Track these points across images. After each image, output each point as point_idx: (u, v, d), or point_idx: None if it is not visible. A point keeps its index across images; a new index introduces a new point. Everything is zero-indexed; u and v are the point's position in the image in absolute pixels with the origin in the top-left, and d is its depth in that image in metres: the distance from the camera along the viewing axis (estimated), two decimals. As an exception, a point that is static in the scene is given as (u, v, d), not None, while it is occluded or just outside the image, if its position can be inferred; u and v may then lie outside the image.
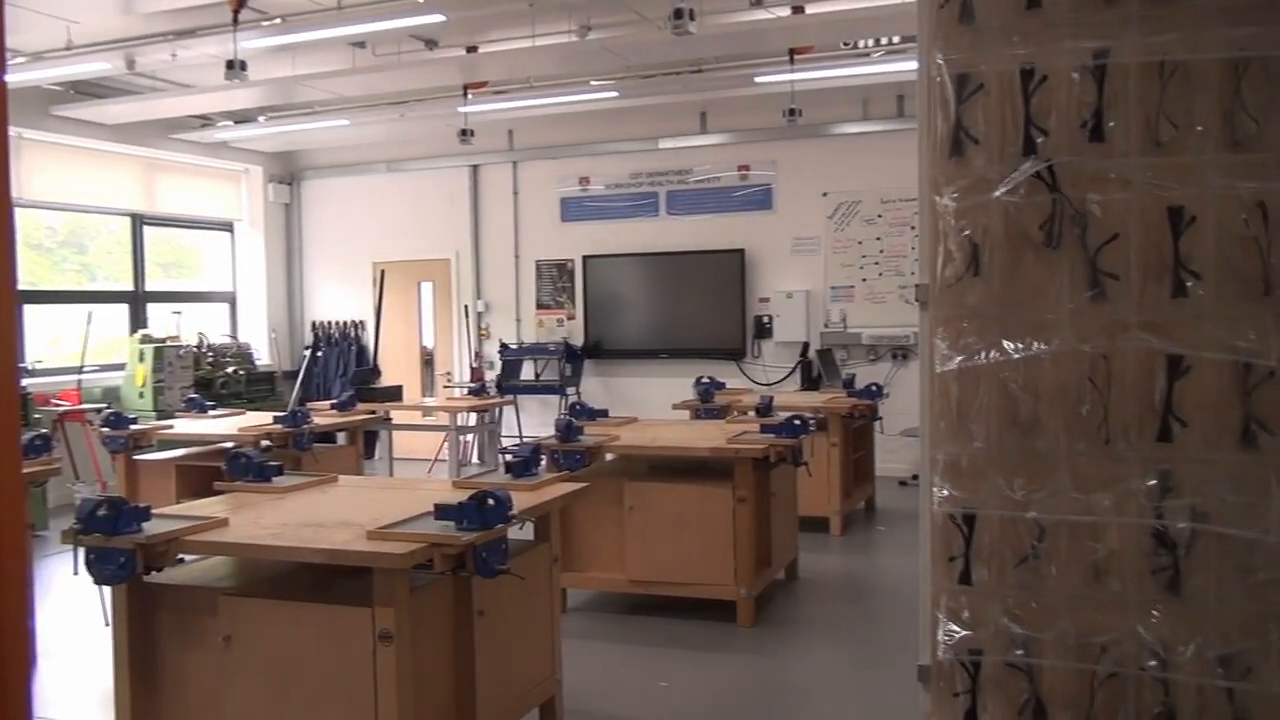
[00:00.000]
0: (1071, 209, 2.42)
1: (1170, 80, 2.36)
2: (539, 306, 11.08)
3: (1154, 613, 2.41)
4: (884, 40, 8.14)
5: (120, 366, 9.67)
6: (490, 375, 10.89)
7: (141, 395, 9.32)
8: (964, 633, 2.51)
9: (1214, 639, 2.37)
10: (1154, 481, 2.39)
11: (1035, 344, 2.45)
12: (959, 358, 2.50)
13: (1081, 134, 2.42)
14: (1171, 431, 2.38)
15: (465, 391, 10.03)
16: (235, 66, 6.89)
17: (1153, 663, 2.41)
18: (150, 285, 10.70)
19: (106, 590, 3.39)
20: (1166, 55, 2.35)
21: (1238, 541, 2.35)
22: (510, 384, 10.65)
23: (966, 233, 2.49)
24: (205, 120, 10.46)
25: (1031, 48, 2.44)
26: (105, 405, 8.63)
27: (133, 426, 6.65)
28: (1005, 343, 2.47)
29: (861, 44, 8.28)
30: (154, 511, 3.40)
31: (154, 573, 3.33)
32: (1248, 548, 2.34)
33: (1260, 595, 2.34)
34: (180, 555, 3.34)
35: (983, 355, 2.48)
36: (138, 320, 10.39)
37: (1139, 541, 2.42)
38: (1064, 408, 2.45)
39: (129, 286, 10.49)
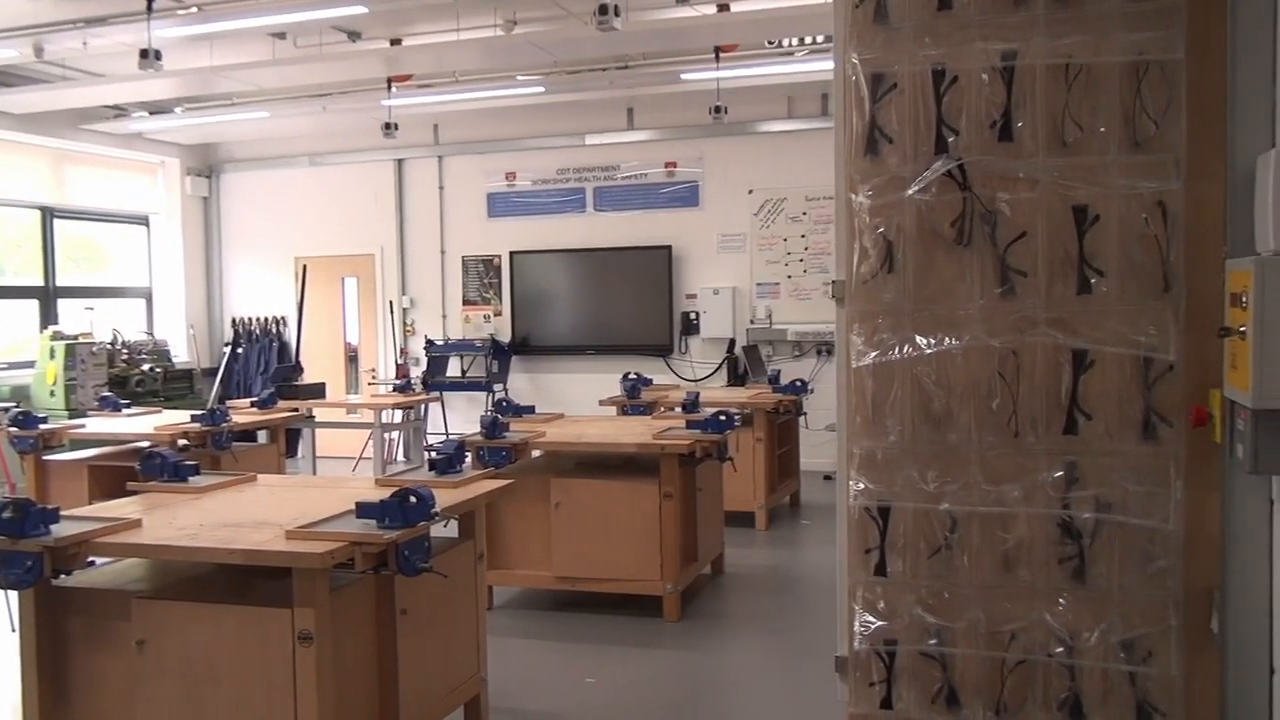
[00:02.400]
0: (981, 207, 2.48)
1: (1075, 82, 2.44)
2: (465, 302, 10.99)
3: (1060, 600, 2.49)
4: (808, 39, 8.24)
5: (30, 364, 9.36)
6: (416, 372, 10.78)
7: (52, 394, 9.04)
8: (879, 623, 2.56)
9: (1117, 625, 2.45)
10: (1060, 473, 2.47)
11: (947, 339, 2.51)
12: (874, 353, 2.55)
13: (991, 134, 2.49)
14: (1077, 424, 2.46)
15: (390, 388, 9.90)
16: (149, 56, 6.72)
17: (1060, 649, 2.48)
18: (61, 280, 10.36)
19: (13, 595, 3.29)
20: (1071, 58, 2.43)
21: (1139, 530, 2.44)
22: (436, 381, 10.55)
23: (881, 230, 2.54)
24: (119, 111, 10.17)
25: (943, 48, 2.49)
26: (14, 404, 8.35)
27: (42, 426, 6.45)
28: (918, 338, 2.52)
29: (786, 43, 8.38)
30: (63, 513, 3.30)
31: (63, 576, 3.24)
32: (1148, 536, 2.43)
33: (1160, 582, 2.44)
34: (91, 558, 3.26)
35: (897, 350, 2.54)
36: (48, 316, 10.05)
37: (1047, 531, 2.50)
38: (975, 402, 2.51)
39: (39, 281, 10.15)
